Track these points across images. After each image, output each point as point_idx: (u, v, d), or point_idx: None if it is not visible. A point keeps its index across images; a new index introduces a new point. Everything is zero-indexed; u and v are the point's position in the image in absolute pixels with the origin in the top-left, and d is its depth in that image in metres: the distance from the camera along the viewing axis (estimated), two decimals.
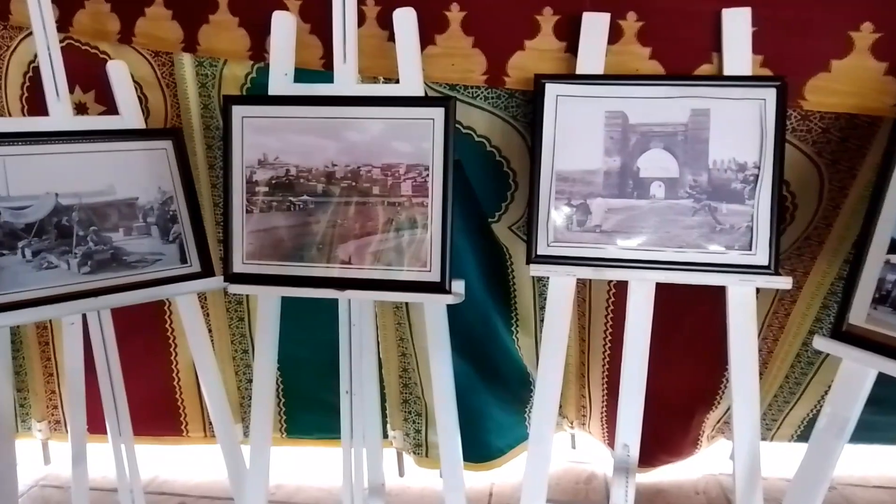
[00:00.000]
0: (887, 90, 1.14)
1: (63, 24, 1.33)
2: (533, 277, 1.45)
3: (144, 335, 1.58)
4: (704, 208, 1.15)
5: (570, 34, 1.21)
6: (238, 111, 1.21)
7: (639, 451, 1.26)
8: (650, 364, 1.22)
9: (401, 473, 1.69)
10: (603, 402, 1.59)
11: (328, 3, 1.22)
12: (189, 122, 1.41)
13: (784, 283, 1.14)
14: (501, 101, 1.27)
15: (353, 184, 1.19)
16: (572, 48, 1.21)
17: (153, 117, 1.40)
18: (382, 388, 1.57)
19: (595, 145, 1.17)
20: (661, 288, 1.19)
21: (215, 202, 1.48)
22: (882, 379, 1.04)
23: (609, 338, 1.49)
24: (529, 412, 1.64)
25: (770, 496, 1.27)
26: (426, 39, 1.23)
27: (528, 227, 1.20)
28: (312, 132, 1.19)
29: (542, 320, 1.49)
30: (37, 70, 1.35)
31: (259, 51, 1.31)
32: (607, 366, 1.53)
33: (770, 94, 1.13)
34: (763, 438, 1.21)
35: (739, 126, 1.14)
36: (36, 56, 1.30)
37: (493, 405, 1.58)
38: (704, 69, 1.19)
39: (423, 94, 1.21)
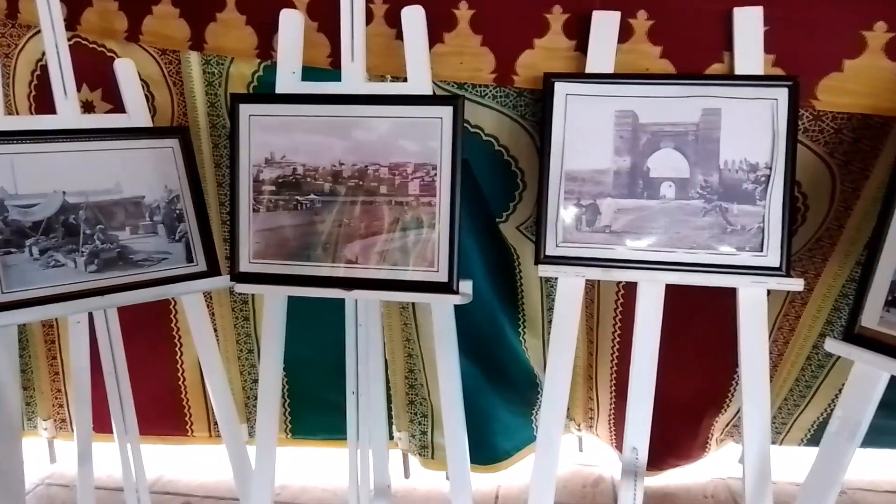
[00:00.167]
0: None
1: (71, 23, 1.33)
2: (541, 278, 1.44)
3: (150, 334, 1.58)
4: (715, 209, 1.14)
5: (579, 33, 1.20)
6: (245, 109, 1.21)
7: (647, 454, 1.25)
8: (659, 366, 1.21)
9: (406, 475, 1.68)
10: (611, 404, 1.57)
11: (336, 2, 1.22)
12: (195, 120, 1.40)
13: (796, 284, 1.13)
14: (510, 99, 1.26)
15: (361, 183, 1.18)
16: (582, 47, 1.20)
17: (160, 116, 1.40)
18: (388, 389, 1.56)
19: (605, 145, 1.16)
20: (670, 289, 1.18)
21: (221, 201, 1.47)
22: (894, 382, 1.03)
23: (617, 339, 1.48)
24: (536, 414, 1.63)
25: (780, 500, 1.25)
26: (434, 38, 1.23)
27: (537, 228, 1.19)
28: (320, 131, 1.19)
29: (549, 321, 1.49)
30: (44, 68, 1.35)
31: (266, 49, 1.31)
32: (615, 368, 1.52)
33: (782, 94, 1.12)
34: (773, 442, 1.20)
35: (751, 126, 1.13)
36: (44, 54, 1.30)
37: (499, 407, 1.57)
38: (715, 68, 1.18)
39: (431, 92, 1.20)
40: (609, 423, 1.61)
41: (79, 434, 1.43)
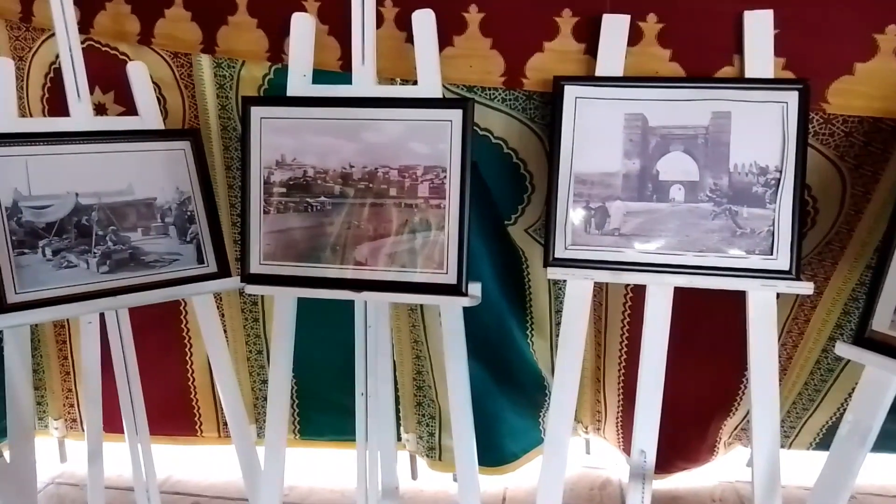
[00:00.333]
0: None
1: (84, 26, 1.34)
2: (549, 280, 1.44)
3: (160, 335, 1.59)
4: (725, 212, 1.14)
5: (589, 36, 1.20)
6: (256, 112, 1.21)
7: (655, 457, 1.25)
8: (667, 369, 1.21)
9: (414, 476, 1.68)
10: (618, 407, 1.57)
11: (346, 5, 1.23)
12: (207, 122, 1.41)
13: (806, 288, 1.12)
14: (519, 102, 1.27)
15: (371, 185, 1.19)
16: (591, 50, 1.20)
17: (171, 118, 1.41)
18: (396, 390, 1.57)
19: (614, 148, 1.17)
20: (678, 292, 1.18)
21: (232, 203, 1.48)
22: None
23: (625, 342, 1.48)
24: (544, 416, 1.63)
25: None
26: (444, 41, 1.23)
27: (546, 230, 1.20)
28: (330, 133, 1.19)
29: (557, 324, 1.49)
30: (58, 71, 1.37)
31: (277, 52, 1.32)
32: (623, 370, 1.52)
33: (792, 98, 1.12)
34: (781, 446, 1.20)
35: (761, 129, 1.13)
36: (57, 57, 1.32)
37: (507, 409, 1.57)
38: (725, 71, 1.18)
39: (441, 95, 1.20)
40: (617, 426, 1.61)
41: (89, 434, 1.44)
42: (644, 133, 1.16)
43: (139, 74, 1.31)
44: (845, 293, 1.35)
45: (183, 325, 1.60)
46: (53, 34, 1.30)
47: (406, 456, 1.67)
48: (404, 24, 1.25)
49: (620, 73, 1.17)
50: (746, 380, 1.44)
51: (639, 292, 1.38)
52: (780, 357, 1.38)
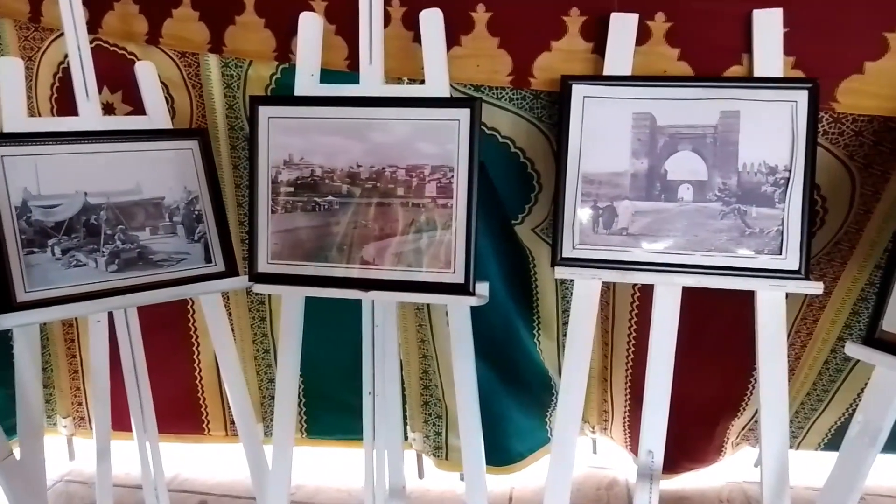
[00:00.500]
0: None
1: (92, 26, 1.35)
2: (556, 280, 1.44)
3: (167, 334, 1.59)
4: (734, 212, 1.13)
5: (597, 35, 1.20)
6: (264, 111, 1.22)
7: (663, 457, 1.24)
8: (675, 369, 1.21)
9: (420, 476, 1.69)
10: (626, 407, 1.57)
11: (354, 4, 1.23)
12: (214, 122, 1.42)
13: (815, 288, 1.12)
14: (526, 102, 1.27)
15: (378, 185, 1.19)
16: (599, 49, 1.20)
17: (179, 118, 1.42)
18: (403, 390, 1.57)
19: (622, 147, 1.16)
20: (686, 292, 1.17)
21: (239, 202, 1.49)
22: None
23: (633, 342, 1.47)
24: (550, 416, 1.63)
25: None
26: (452, 40, 1.23)
27: (554, 230, 1.19)
28: (338, 133, 1.19)
29: (564, 324, 1.49)
30: (66, 71, 1.37)
31: (284, 52, 1.32)
32: (630, 370, 1.51)
33: (802, 97, 1.11)
34: (789, 446, 1.20)
35: (770, 128, 1.12)
36: (65, 57, 1.32)
37: (513, 409, 1.57)
38: (734, 71, 1.18)
39: (448, 95, 1.20)
40: (624, 426, 1.61)
41: (97, 432, 1.44)
42: (652, 132, 1.16)
43: (147, 74, 1.32)
44: (854, 293, 1.34)
45: (190, 324, 1.61)
46: (62, 34, 1.31)
47: (413, 455, 1.67)
48: (411, 24, 1.25)
49: (628, 73, 1.17)
50: (754, 380, 1.44)
51: (646, 292, 1.38)
52: (787, 357, 1.37)
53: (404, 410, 1.60)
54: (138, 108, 1.35)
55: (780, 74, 1.14)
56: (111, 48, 1.38)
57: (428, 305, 1.47)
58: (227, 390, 1.38)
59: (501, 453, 1.58)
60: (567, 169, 1.17)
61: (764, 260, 1.13)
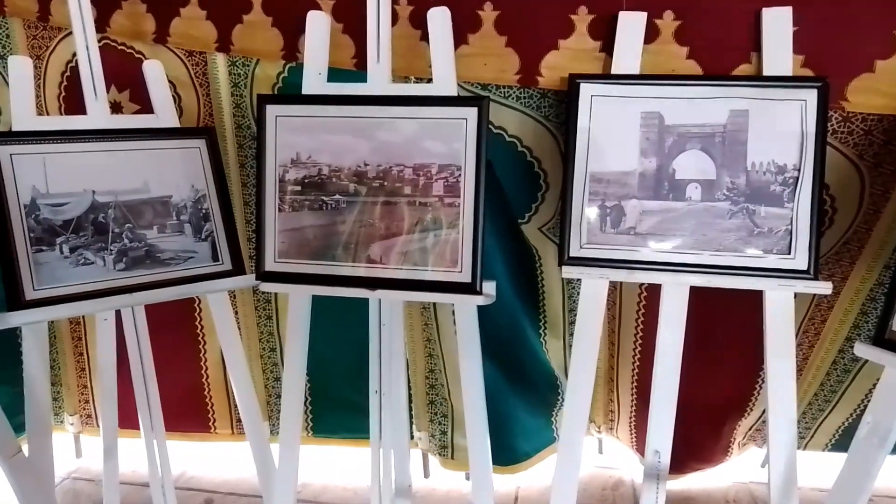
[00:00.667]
0: None
1: (100, 25, 1.35)
2: (562, 279, 1.44)
3: (174, 332, 1.60)
4: (742, 211, 1.13)
5: (605, 34, 1.20)
6: (272, 110, 1.22)
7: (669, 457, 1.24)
8: (682, 369, 1.20)
9: (426, 474, 1.69)
10: (632, 407, 1.57)
11: (361, 3, 1.22)
12: (221, 121, 1.42)
13: (824, 288, 1.11)
14: (534, 100, 1.26)
15: (385, 183, 1.19)
16: (607, 48, 1.20)
17: (186, 117, 1.42)
18: (409, 389, 1.57)
19: (630, 146, 1.16)
20: (693, 292, 1.17)
21: (246, 201, 1.49)
22: None
23: (639, 342, 1.47)
24: (556, 416, 1.63)
25: None
26: (459, 39, 1.23)
27: (561, 229, 1.19)
28: (345, 132, 1.19)
29: (571, 323, 1.49)
30: (74, 70, 1.38)
31: (291, 50, 1.32)
32: (637, 370, 1.51)
33: (811, 95, 1.11)
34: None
35: (779, 127, 1.12)
36: (74, 56, 1.33)
37: (519, 408, 1.57)
38: (743, 69, 1.17)
39: (456, 93, 1.20)
40: (630, 426, 1.60)
41: (104, 429, 1.45)
42: (660, 131, 1.15)
43: (155, 73, 1.32)
44: (863, 293, 1.33)
45: (197, 323, 1.61)
46: (70, 33, 1.32)
47: (418, 454, 1.67)
48: (419, 22, 1.25)
49: (637, 71, 1.17)
50: (761, 380, 1.44)
51: (653, 291, 1.37)
52: (795, 357, 1.37)
53: (410, 409, 1.60)
54: (146, 107, 1.35)
55: (789, 73, 1.13)
56: (119, 47, 1.38)
57: (434, 304, 1.47)
58: (234, 389, 1.38)
59: (507, 453, 1.58)
60: (575, 168, 1.17)
61: (772, 260, 1.12)
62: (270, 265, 1.24)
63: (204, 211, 1.32)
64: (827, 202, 1.22)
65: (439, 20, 1.19)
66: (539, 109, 1.27)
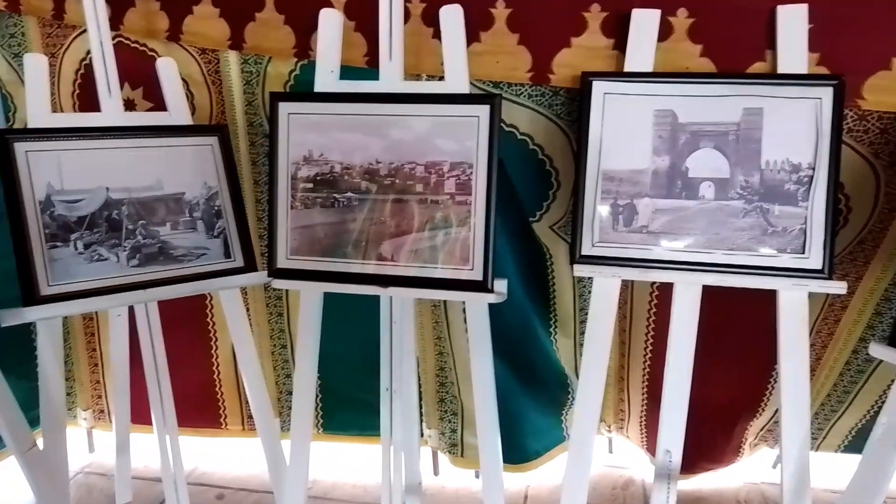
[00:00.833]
0: None
1: (114, 23, 1.36)
2: (573, 278, 1.43)
3: (186, 329, 1.60)
4: (756, 210, 1.12)
5: (618, 31, 1.19)
6: (284, 108, 1.22)
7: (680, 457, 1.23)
8: (693, 368, 1.20)
9: (436, 472, 1.69)
10: (643, 406, 1.56)
11: (373, 1, 1.22)
12: (233, 118, 1.42)
13: (839, 287, 1.11)
14: (545, 98, 1.26)
15: (397, 181, 1.19)
16: (620, 45, 1.19)
17: (198, 114, 1.42)
18: (419, 386, 1.57)
19: (643, 144, 1.15)
20: (705, 291, 1.17)
21: (257, 198, 1.49)
22: None
23: (651, 341, 1.46)
24: (566, 415, 1.63)
25: None
26: (471, 37, 1.22)
27: (573, 227, 1.19)
28: (358, 129, 1.20)
29: (581, 322, 1.49)
30: (88, 67, 1.39)
31: (304, 48, 1.32)
32: (648, 370, 1.50)
33: (826, 94, 1.10)
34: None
35: (794, 126, 1.11)
36: (87, 53, 1.34)
37: (529, 407, 1.56)
38: (757, 67, 1.16)
39: (468, 91, 1.20)
40: (640, 426, 1.60)
41: (117, 425, 1.47)
42: (674, 129, 1.15)
43: (169, 70, 1.33)
44: (877, 293, 1.32)
45: (209, 319, 1.62)
46: (84, 31, 1.33)
47: (428, 452, 1.67)
48: (431, 20, 1.25)
49: (650, 69, 1.16)
50: (773, 380, 1.43)
51: (665, 290, 1.37)
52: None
53: (420, 407, 1.60)
54: (159, 105, 1.36)
55: (804, 71, 1.12)
56: (132, 45, 1.39)
57: (444, 302, 1.47)
58: (246, 385, 1.39)
59: (517, 451, 1.58)
60: (587, 166, 1.17)
61: (786, 259, 1.12)
62: (283, 262, 1.24)
63: (216, 208, 1.32)
64: (841, 201, 1.21)
65: (452, 18, 1.18)
66: (551, 107, 1.27)
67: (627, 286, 1.45)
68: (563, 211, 1.36)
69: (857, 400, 1.46)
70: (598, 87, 1.16)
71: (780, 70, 1.13)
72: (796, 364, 1.14)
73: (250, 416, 1.66)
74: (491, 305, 1.21)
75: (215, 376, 1.67)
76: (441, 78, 1.23)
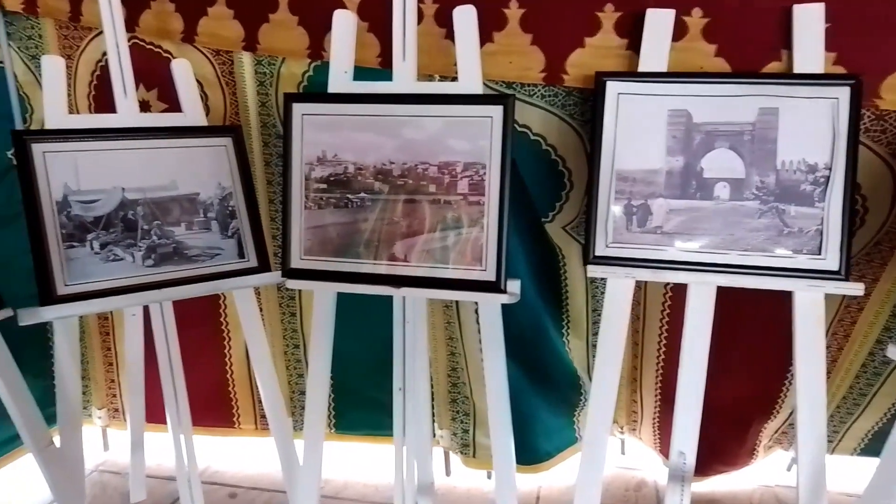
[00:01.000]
0: None
1: (129, 24, 1.37)
2: (586, 279, 1.43)
3: (199, 328, 1.61)
4: (771, 210, 1.11)
5: (632, 31, 1.19)
6: (298, 108, 1.22)
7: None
8: (707, 370, 1.19)
9: (447, 473, 1.69)
10: (656, 408, 1.55)
11: (385, 2, 1.23)
12: (247, 119, 1.43)
13: (855, 289, 1.10)
14: (558, 98, 1.26)
15: (410, 181, 1.19)
16: (634, 45, 1.19)
17: (212, 115, 1.43)
18: (431, 387, 1.57)
19: (657, 144, 1.15)
20: (719, 292, 1.16)
21: (271, 198, 1.50)
22: None
23: (664, 342, 1.46)
24: (578, 416, 1.62)
25: None
26: (484, 37, 1.22)
27: (587, 228, 1.19)
28: (371, 130, 1.20)
29: (594, 323, 1.48)
30: (104, 69, 1.40)
31: (317, 49, 1.33)
32: (661, 371, 1.50)
33: (843, 93, 1.09)
34: None
35: (810, 126, 1.10)
36: (103, 55, 1.35)
37: (541, 408, 1.56)
38: (773, 67, 1.16)
39: (481, 91, 1.20)
40: (653, 427, 1.59)
41: (132, 423, 1.48)
42: (688, 129, 1.14)
43: (183, 72, 1.34)
44: (894, 295, 1.31)
45: (222, 319, 1.63)
46: (100, 33, 1.34)
47: (440, 452, 1.67)
48: (444, 21, 1.25)
49: (664, 69, 1.16)
50: (788, 382, 1.42)
51: (679, 291, 1.36)
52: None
53: (432, 407, 1.60)
54: (173, 106, 1.37)
55: (820, 71, 1.11)
56: (147, 46, 1.40)
57: (456, 303, 1.47)
58: (259, 384, 1.39)
59: (529, 452, 1.57)
60: (601, 166, 1.16)
61: (802, 260, 1.11)
62: (296, 262, 1.25)
63: (230, 208, 1.33)
64: (858, 202, 1.20)
65: (465, 18, 1.18)
66: (564, 108, 1.27)
67: (640, 287, 1.45)
68: (576, 211, 1.36)
69: (873, 402, 1.45)
70: (612, 87, 1.16)
71: (797, 69, 1.12)
72: (812, 366, 1.13)
73: (263, 416, 1.66)
74: (503, 306, 1.21)
75: (228, 375, 1.68)
76: (454, 78, 1.23)
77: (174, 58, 1.37)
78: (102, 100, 1.46)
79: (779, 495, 1.59)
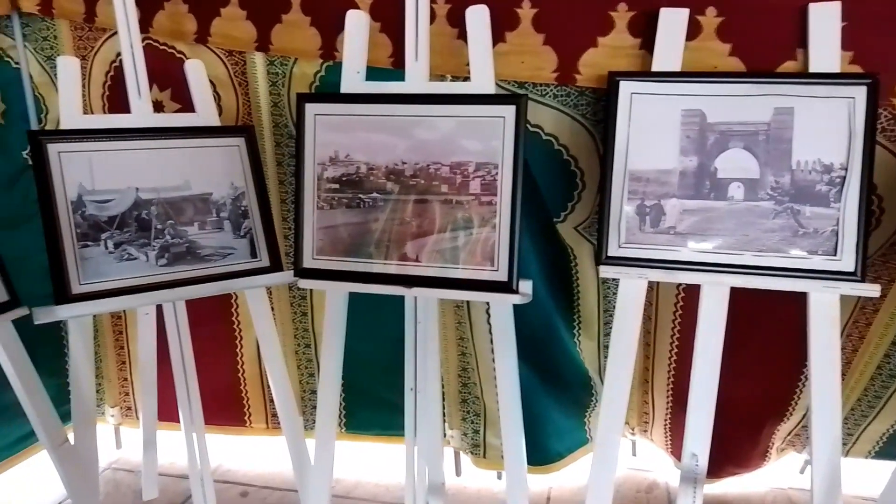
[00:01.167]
0: None
1: (143, 25, 1.38)
2: (598, 279, 1.42)
3: (211, 327, 1.62)
4: (786, 211, 1.10)
5: (645, 30, 1.18)
6: (311, 109, 1.23)
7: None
8: (720, 371, 1.18)
9: (458, 473, 1.69)
10: (667, 409, 1.54)
11: (398, 2, 1.23)
12: (259, 119, 1.44)
13: (871, 290, 1.09)
14: (571, 98, 1.25)
15: (422, 181, 1.19)
16: (647, 45, 1.18)
17: (225, 115, 1.44)
18: (441, 387, 1.57)
19: (670, 144, 1.14)
20: (732, 292, 1.15)
21: (282, 198, 1.50)
22: None
23: (676, 343, 1.45)
24: (589, 417, 1.62)
25: None
26: (496, 37, 1.22)
27: (599, 228, 1.18)
28: (383, 130, 1.20)
29: (606, 323, 1.48)
30: (118, 69, 1.41)
31: (329, 49, 1.33)
32: (673, 372, 1.49)
33: (860, 93, 1.08)
34: None
35: (826, 126, 1.10)
36: (117, 56, 1.36)
37: (552, 409, 1.56)
38: (788, 66, 1.15)
39: (494, 91, 1.20)
40: (665, 429, 1.58)
41: (144, 422, 1.48)
42: (702, 129, 1.13)
43: (197, 72, 1.34)
44: None
45: (234, 318, 1.63)
46: (114, 33, 1.35)
47: (450, 452, 1.67)
48: (456, 21, 1.25)
49: (678, 69, 1.15)
50: (802, 383, 1.41)
51: (691, 292, 1.35)
52: None
53: (442, 407, 1.60)
54: (186, 106, 1.38)
55: (836, 70, 1.10)
56: (160, 47, 1.41)
57: (467, 303, 1.47)
58: (271, 383, 1.40)
59: (540, 453, 1.57)
60: (613, 166, 1.16)
61: (818, 261, 1.10)
62: (308, 262, 1.25)
63: (243, 208, 1.34)
64: (874, 202, 1.19)
65: (478, 18, 1.18)
66: (576, 107, 1.26)
67: (652, 287, 1.44)
68: (588, 212, 1.35)
69: (888, 405, 1.43)
70: (626, 86, 1.16)
71: (812, 69, 1.11)
72: (827, 368, 1.12)
73: (274, 415, 1.67)
74: (515, 306, 1.20)
75: (240, 375, 1.68)
76: (466, 78, 1.23)
77: (187, 58, 1.38)
78: (116, 100, 1.47)
79: (792, 498, 1.57)
